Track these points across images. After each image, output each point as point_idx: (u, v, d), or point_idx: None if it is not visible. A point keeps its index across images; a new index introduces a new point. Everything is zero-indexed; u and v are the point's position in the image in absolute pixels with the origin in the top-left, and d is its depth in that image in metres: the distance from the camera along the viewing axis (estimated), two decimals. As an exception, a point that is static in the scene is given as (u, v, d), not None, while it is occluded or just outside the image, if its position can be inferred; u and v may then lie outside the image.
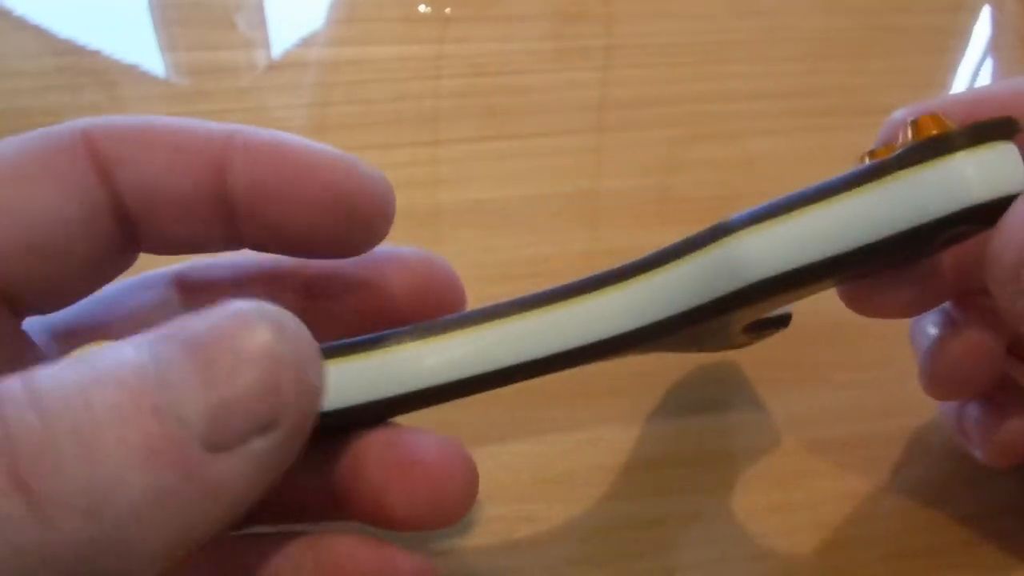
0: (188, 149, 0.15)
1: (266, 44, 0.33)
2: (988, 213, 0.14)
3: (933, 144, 0.14)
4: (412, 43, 0.33)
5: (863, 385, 0.24)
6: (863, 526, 0.21)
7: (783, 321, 0.20)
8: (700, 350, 0.20)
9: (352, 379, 0.15)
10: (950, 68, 0.36)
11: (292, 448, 0.12)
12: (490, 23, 0.34)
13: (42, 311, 0.15)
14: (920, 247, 0.15)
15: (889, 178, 0.14)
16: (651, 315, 0.15)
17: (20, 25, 0.32)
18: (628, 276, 0.16)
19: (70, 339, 0.16)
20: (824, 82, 0.33)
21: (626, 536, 0.21)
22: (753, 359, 0.23)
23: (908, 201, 0.14)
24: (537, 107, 0.31)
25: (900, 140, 0.15)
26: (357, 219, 0.15)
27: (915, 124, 0.15)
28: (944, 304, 0.19)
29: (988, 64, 0.36)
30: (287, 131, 0.16)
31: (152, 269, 0.17)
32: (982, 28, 0.37)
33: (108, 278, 0.16)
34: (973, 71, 0.35)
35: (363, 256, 0.17)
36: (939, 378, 0.19)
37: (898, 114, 0.18)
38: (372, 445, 0.15)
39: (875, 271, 0.17)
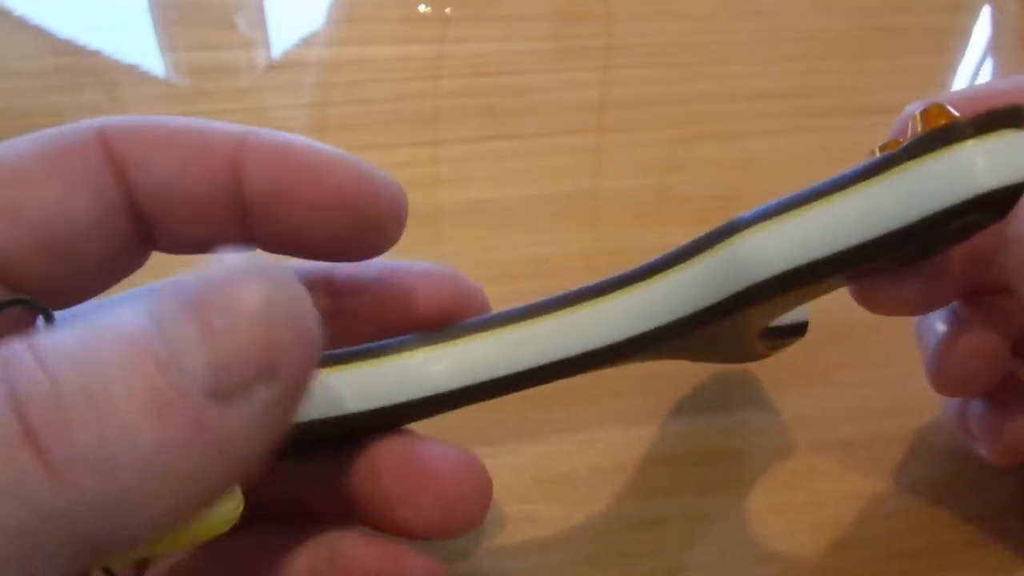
0: (203, 149, 0.15)
1: (266, 44, 0.33)
2: (998, 202, 0.14)
3: (941, 134, 0.14)
4: (412, 43, 0.33)
5: (866, 385, 0.24)
6: (866, 526, 0.21)
7: (799, 330, 0.20)
8: (718, 361, 0.19)
9: (362, 385, 0.15)
10: (950, 68, 0.36)
11: (294, 400, 0.12)
12: (490, 23, 0.34)
13: (54, 308, 0.15)
14: (930, 240, 0.15)
15: (897, 170, 0.14)
16: (661, 317, 0.15)
17: (20, 25, 0.32)
18: (635, 280, 0.16)
19: None
20: (824, 82, 0.33)
21: (628, 537, 0.21)
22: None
23: (917, 192, 0.14)
24: (537, 107, 0.31)
25: (909, 132, 0.15)
26: (370, 222, 0.15)
27: (923, 115, 0.14)
28: (952, 303, 0.19)
29: (988, 64, 0.36)
30: (287, 131, 0.16)
31: (163, 267, 0.17)
32: (982, 28, 0.37)
33: (120, 277, 0.16)
34: (973, 71, 0.35)
35: (389, 268, 0.17)
36: (945, 376, 0.19)
37: (910, 108, 0.18)
38: (387, 455, 0.15)
39: (886, 268, 0.17)
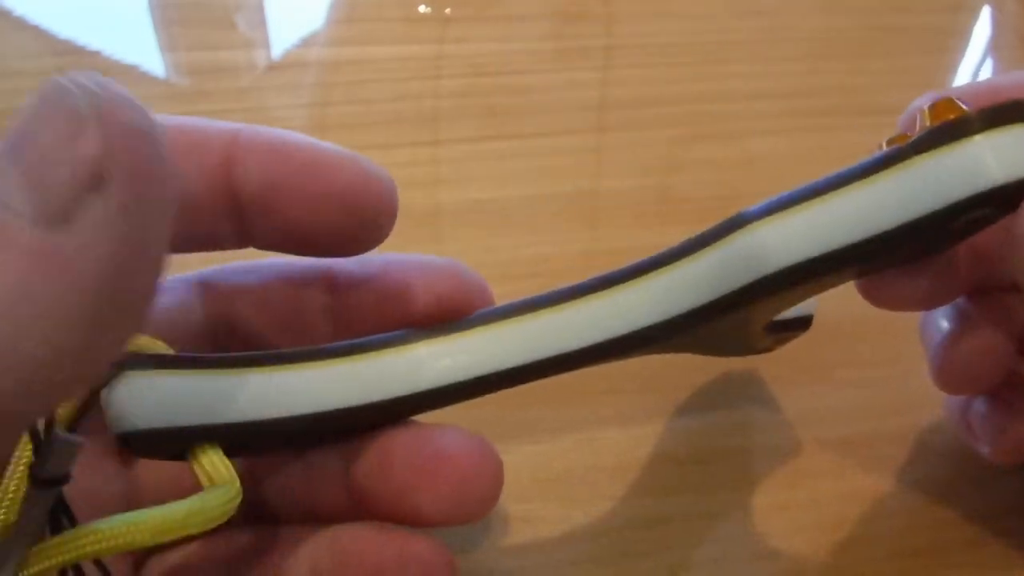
0: (196, 146, 0.15)
1: (266, 44, 0.33)
2: (1007, 197, 0.14)
3: (950, 128, 0.14)
4: (412, 43, 0.33)
5: (868, 384, 0.24)
6: (868, 525, 0.21)
7: (804, 323, 0.20)
8: (722, 354, 0.19)
9: (357, 379, 0.15)
10: (950, 68, 0.36)
11: (143, 203, 0.11)
12: (490, 23, 0.34)
13: None
14: (938, 235, 0.14)
15: (906, 164, 0.14)
16: (666, 312, 0.15)
17: (20, 25, 0.32)
18: (641, 273, 0.16)
19: None
20: (824, 82, 0.33)
21: (628, 535, 0.21)
22: (756, 357, 0.23)
23: (926, 186, 0.14)
24: (537, 107, 0.31)
25: (917, 126, 0.15)
26: (363, 216, 0.15)
27: (931, 109, 0.14)
28: (957, 300, 0.19)
29: (988, 64, 0.36)
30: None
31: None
32: (982, 28, 0.37)
33: None
34: (973, 71, 0.35)
35: (391, 262, 0.17)
36: (949, 373, 0.19)
37: (918, 101, 0.18)
38: (397, 445, 0.15)
39: (893, 263, 0.17)
